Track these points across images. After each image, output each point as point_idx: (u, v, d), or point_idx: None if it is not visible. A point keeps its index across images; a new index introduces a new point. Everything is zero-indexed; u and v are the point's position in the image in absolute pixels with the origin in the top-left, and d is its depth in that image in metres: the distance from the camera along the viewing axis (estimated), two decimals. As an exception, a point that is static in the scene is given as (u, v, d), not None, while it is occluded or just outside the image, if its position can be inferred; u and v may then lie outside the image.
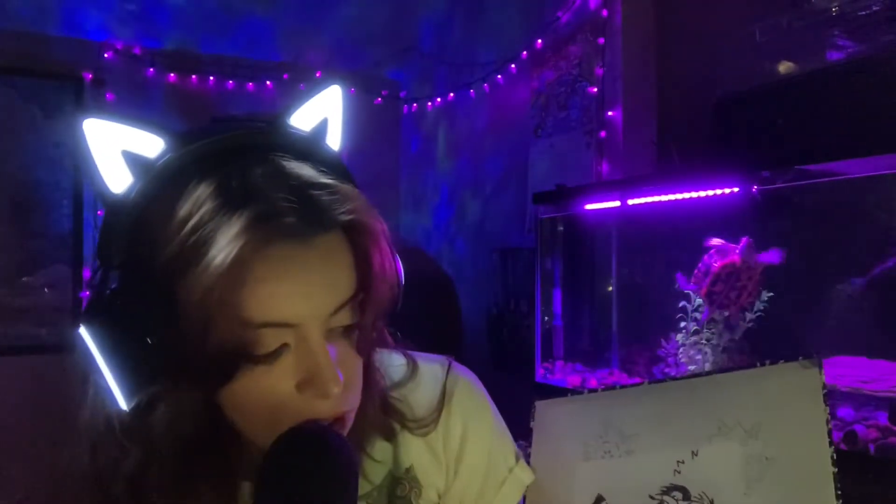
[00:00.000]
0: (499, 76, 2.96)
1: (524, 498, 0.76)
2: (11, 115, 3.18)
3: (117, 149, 0.56)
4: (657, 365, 2.02)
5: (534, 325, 2.35)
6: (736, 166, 1.66)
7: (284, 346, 0.55)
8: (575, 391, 0.78)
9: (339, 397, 0.56)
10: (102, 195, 0.57)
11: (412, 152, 3.84)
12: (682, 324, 1.87)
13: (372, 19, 3.31)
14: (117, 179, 0.56)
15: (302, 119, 0.62)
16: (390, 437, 0.70)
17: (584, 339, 2.44)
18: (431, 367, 0.74)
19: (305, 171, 0.57)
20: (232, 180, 0.54)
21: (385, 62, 3.65)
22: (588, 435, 0.74)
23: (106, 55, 3.29)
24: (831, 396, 0.65)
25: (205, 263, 0.51)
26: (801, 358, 0.65)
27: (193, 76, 3.45)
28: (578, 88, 2.56)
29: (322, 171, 0.58)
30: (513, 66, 2.88)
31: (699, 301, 1.84)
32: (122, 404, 0.55)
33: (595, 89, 2.46)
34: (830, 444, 0.61)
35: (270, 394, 0.56)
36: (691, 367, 1.85)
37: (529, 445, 0.78)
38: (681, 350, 1.88)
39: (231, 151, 0.56)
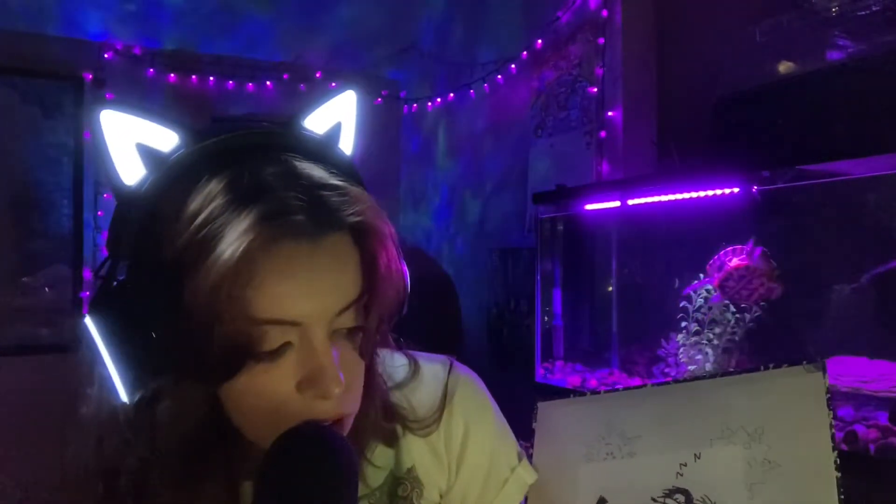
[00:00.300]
0: (499, 76, 2.96)
1: (526, 498, 0.76)
2: (11, 115, 3.18)
3: (132, 141, 0.57)
4: (657, 365, 2.02)
5: (534, 325, 2.35)
6: (736, 166, 1.66)
7: (288, 344, 0.55)
8: (577, 392, 0.78)
9: (340, 399, 0.56)
10: (115, 186, 0.57)
11: (412, 152, 3.84)
12: (683, 324, 1.87)
13: (372, 19, 3.31)
14: (131, 172, 0.57)
15: (316, 122, 0.63)
16: (391, 442, 0.70)
17: (584, 339, 2.44)
18: (433, 367, 0.74)
19: (316, 172, 0.57)
20: (243, 177, 0.55)
21: (385, 62, 3.65)
22: (590, 436, 0.73)
23: (106, 55, 3.29)
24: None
25: (213, 258, 0.51)
26: (805, 362, 0.65)
27: (193, 76, 3.45)
28: (578, 88, 2.56)
29: (333, 173, 0.58)
30: (513, 66, 2.88)
31: (700, 301, 1.84)
32: (125, 397, 0.55)
33: (595, 89, 2.46)
34: (834, 448, 0.61)
35: (272, 392, 0.56)
36: (691, 368, 1.85)
37: (531, 446, 0.78)
38: (681, 350, 1.88)
39: (244, 149, 0.57)
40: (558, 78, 2.67)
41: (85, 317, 0.56)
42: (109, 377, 0.56)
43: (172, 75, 3.42)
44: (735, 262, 1.69)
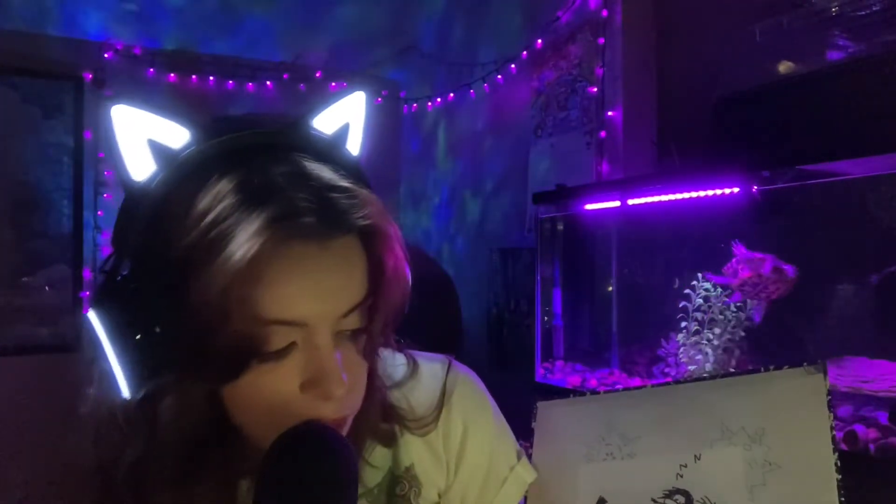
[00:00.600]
0: (499, 76, 2.96)
1: (525, 498, 0.76)
2: (11, 115, 3.18)
3: (143, 137, 0.57)
4: (657, 365, 2.02)
5: (534, 325, 2.35)
6: (736, 166, 1.65)
7: (293, 344, 0.55)
8: (577, 392, 0.78)
9: (342, 400, 0.57)
10: (124, 181, 0.57)
11: (412, 152, 3.84)
12: (683, 324, 1.87)
13: (372, 19, 3.31)
14: (140, 167, 0.57)
15: (324, 123, 0.63)
16: (390, 442, 0.70)
17: (584, 339, 2.44)
18: (431, 366, 0.74)
19: (326, 173, 0.58)
20: (254, 178, 0.55)
21: (385, 62, 3.65)
22: (590, 437, 0.73)
23: (106, 55, 3.28)
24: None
25: (223, 258, 0.51)
26: (805, 364, 0.65)
27: (193, 76, 3.45)
28: (578, 88, 2.56)
29: (342, 175, 0.58)
30: (513, 66, 2.88)
31: (700, 301, 1.84)
32: (126, 392, 0.55)
33: (595, 89, 2.46)
34: (835, 449, 0.61)
35: (274, 391, 0.56)
36: (692, 368, 1.85)
37: (530, 446, 0.77)
38: (681, 350, 1.88)
39: (254, 148, 0.57)
40: (558, 78, 2.67)
41: (88, 311, 0.56)
42: (111, 373, 0.56)
43: (172, 75, 3.42)
44: (747, 273, 1.69)
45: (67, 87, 3.26)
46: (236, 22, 3.31)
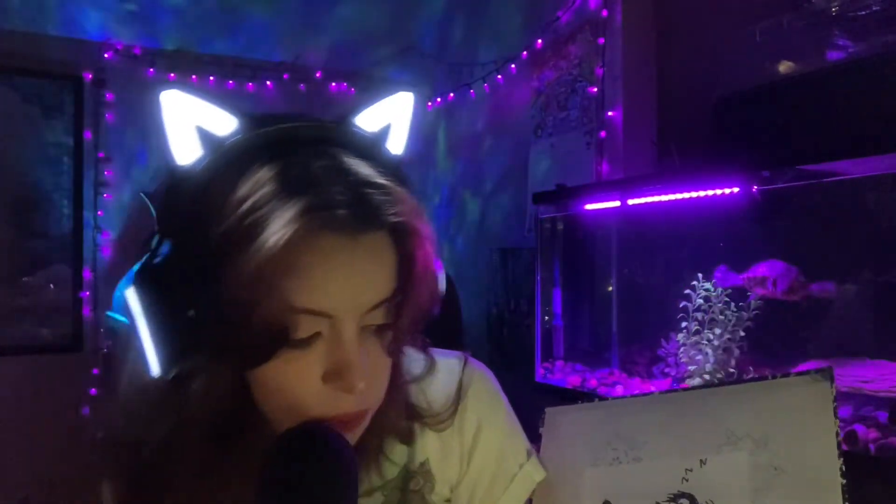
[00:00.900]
0: (499, 76, 2.96)
1: (530, 500, 0.76)
2: (11, 115, 3.18)
3: (191, 123, 0.59)
4: (657, 365, 2.02)
5: (534, 325, 2.35)
6: (736, 166, 1.66)
7: (318, 334, 0.56)
8: (585, 398, 0.79)
9: (363, 394, 0.57)
10: (169, 165, 0.59)
11: (412, 152, 3.83)
12: (683, 324, 1.87)
13: (372, 19, 3.31)
14: (185, 152, 0.59)
15: (369, 121, 0.64)
16: (408, 439, 0.70)
17: (584, 339, 2.44)
18: (448, 362, 0.75)
19: (364, 169, 0.58)
20: (293, 168, 0.56)
21: (385, 62, 3.65)
22: (597, 442, 0.74)
23: (106, 55, 3.28)
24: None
25: (257, 244, 0.52)
26: (812, 371, 0.65)
27: (193, 76, 3.45)
28: (578, 88, 2.56)
29: (380, 172, 0.59)
30: (513, 66, 2.88)
31: (700, 301, 1.84)
32: (157, 371, 0.56)
33: (595, 89, 2.46)
34: (840, 455, 0.62)
35: (298, 380, 0.56)
36: (691, 368, 1.85)
37: (536, 449, 0.78)
38: (681, 350, 1.88)
39: (297, 140, 0.59)
40: (558, 78, 2.67)
41: (127, 289, 0.57)
42: (144, 352, 0.57)
43: (172, 75, 3.42)
44: (760, 291, 1.69)
45: (67, 87, 3.26)
46: (236, 22, 3.31)
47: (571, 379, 2.17)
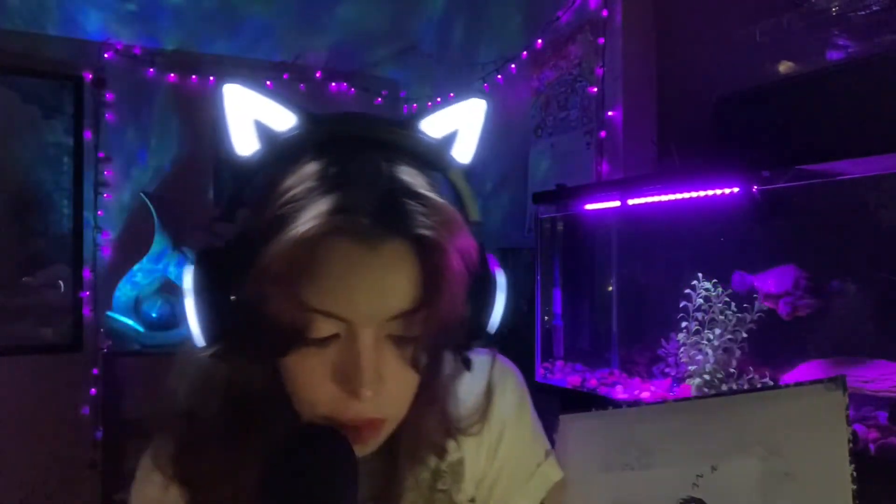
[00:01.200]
0: (499, 76, 2.96)
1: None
2: (11, 115, 3.18)
3: (250, 117, 0.60)
4: (657, 365, 2.02)
5: (534, 325, 2.35)
6: (736, 166, 1.65)
7: (336, 336, 0.56)
8: (598, 405, 0.80)
9: (372, 402, 0.57)
10: (228, 156, 0.60)
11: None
12: (683, 323, 1.87)
13: (372, 19, 3.31)
14: (244, 144, 0.60)
15: (436, 125, 0.63)
16: (442, 456, 0.69)
17: (584, 339, 2.44)
18: (478, 359, 0.74)
19: (405, 175, 0.58)
20: (333, 166, 0.56)
21: (385, 62, 3.65)
22: (609, 448, 0.75)
23: (106, 55, 3.28)
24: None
25: (282, 236, 0.53)
26: (826, 380, 0.66)
27: (193, 76, 3.45)
28: (578, 88, 2.56)
29: (426, 181, 0.59)
30: (513, 66, 2.88)
31: (700, 301, 1.84)
32: (201, 345, 0.58)
33: (595, 89, 2.46)
34: (851, 461, 0.62)
35: (310, 377, 0.57)
36: (692, 368, 1.85)
37: None
38: (681, 350, 1.88)
39: (348, 139, 0.59)
40: (558, 78, 2.67)
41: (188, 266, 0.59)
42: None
43: (172, 75, 3.42)
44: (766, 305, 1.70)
45: (67, 87, 3.26)
46: (236, 22, 3.31)
47: (571, 379, 2.17)
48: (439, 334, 0.59)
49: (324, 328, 0.56)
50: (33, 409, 3.12)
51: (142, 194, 3.25)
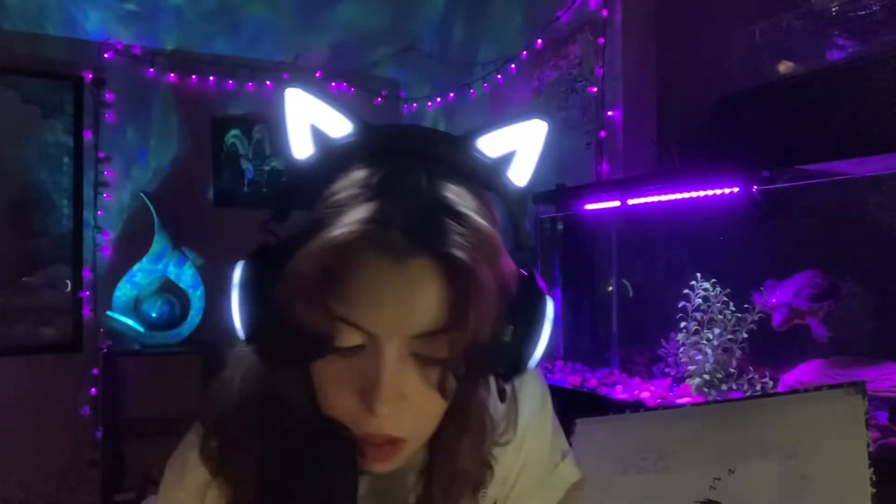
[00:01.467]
0: (499, 76, 2.96)
1: None
2: (11, 115, 3.18)
3: (307, 121, 0.61)
4: (657, 365, 2.02)
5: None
6: (736, 166, 1.66)
7: (361, 347, 0.56)
8: (616, 410, 0.80)
9: (389, 420, 0.56)
10: (286, 157, 0.63)
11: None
12: (683, 323, 1.87)
13: (372, 19, 3.31)
14: (302, 147, 0.61)
15: (494, 144, 0.61)
16: (478, 487, 0.67)
17: (584, 339, 2.44)
18: None
19: (451, 194, 0.56)
20: (376, 176, 0.56)
21: (385, 62, 3.65)
22: (626, 452, 0.75)
23: (106, 55, 3.29)
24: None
25: (315, 240, 0.53)
26: (845, 385, 0.66)
27: (193, 76, 3.45)
28: (578, 88, 2.56)
29: (472, 202, 0.57)
30: (513, 66, 2.88)
31: (699, 301, 1.84)
32: (241, 336, 0.58)
33: (595, 89, 2.46)
34: (870, 465, 0.62)
35: (332, 385, 0.57)
36: (691, 367, 1.85)
37: None
38: (681, 350, 1.88)
39: (398, 150, 0.59)
40: (558, 78, 2.67)
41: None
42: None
43: (172, 75, 3.42)
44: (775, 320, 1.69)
45: (67, 87, 3.26)
46: (236, 22, 3.31)
47: (571, 379, 2.17)
48: (469, 359, 0.56)
49: (349, 338, 0.55)
50: (33, 409, 3.12)
51: (142, 194, 3.25)
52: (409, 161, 0.57)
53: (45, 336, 3.22)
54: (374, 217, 0.53)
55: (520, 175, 0.62)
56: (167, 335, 3.22)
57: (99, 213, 3.28)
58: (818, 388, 0.68)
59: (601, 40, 2.43)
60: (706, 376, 1.81)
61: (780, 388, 1.64)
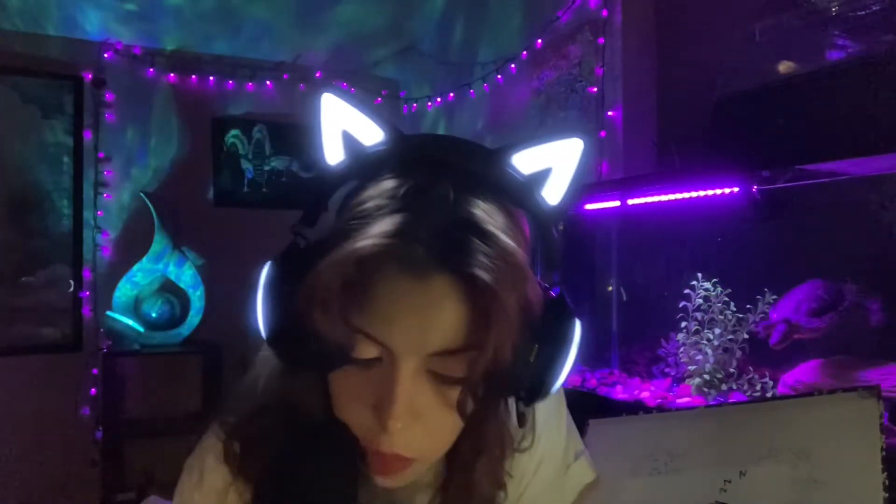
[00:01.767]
0: (499, 76, 2.96)
1: None
2: (11, 115, 3.18)
3: (339, 127, 0.60)
4: (657, 365, 2.02)
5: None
6: (736, 166, 1.66)
7: (379, 360, 0.55)
8: (629, 412, 0.80)
9: (400, 438, 0.55)
10: (317, 163, 0.61)
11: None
12: (683, 323, 1.87)
13: (372, 19, 3.31)
14: (334, 153, 0.61)
15: (529, 161, 0.59)
16: None
17: (583, 339, 2.44)
18: None
19: (479, 211, 0.55)
20: (403, 188, 0.55)
21: (385, 62, 3.65)
22: (638, 453, 0.75)
23: (106, 55, 3.29)
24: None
25: (339, 250, 0.52)
26: (860, 388, 0.66)
27: (193, 76, 3.45)
28: (578, 88, 2.56)
29: (502, 221, 0.56)
30: (513, 66, 2.88)
31: (699, 301, 1.84)
32: (265, 336, 0.58)
33: (595, 89, 2.46)
34: (883, 469, 0.62)
35: (346, 396, 0.57)
36: (691, 367, 1.85)
37: None
38: (681, 350, 1.88)
39: (429, 162, 0.58)
40: (558, 78, 2.67)
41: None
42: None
43: (172, 75, 3.42)
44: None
45: (67, 87, 3.26)
46: (236, 22, 3.31)
47: (571, 378, 2.17)
48: (488, 381, 0.55)
49: (367, 350, 0.55)
50: (33, 409, 3.12)
51: (142, 194, 3.25)
52: (439, 173, 0.56)
53: (44, 336, 3.22)
54: (398, 231, 0.52)
55: (554, 194, 0.60)
56: (167, 335, 3.22)
57: (99, 213, 3.28)
58: (832, 391, 0.68)
59: (601, 40, 2.43)
60: (706, 376, 1.81)
61: (779, 388, 1.64)
